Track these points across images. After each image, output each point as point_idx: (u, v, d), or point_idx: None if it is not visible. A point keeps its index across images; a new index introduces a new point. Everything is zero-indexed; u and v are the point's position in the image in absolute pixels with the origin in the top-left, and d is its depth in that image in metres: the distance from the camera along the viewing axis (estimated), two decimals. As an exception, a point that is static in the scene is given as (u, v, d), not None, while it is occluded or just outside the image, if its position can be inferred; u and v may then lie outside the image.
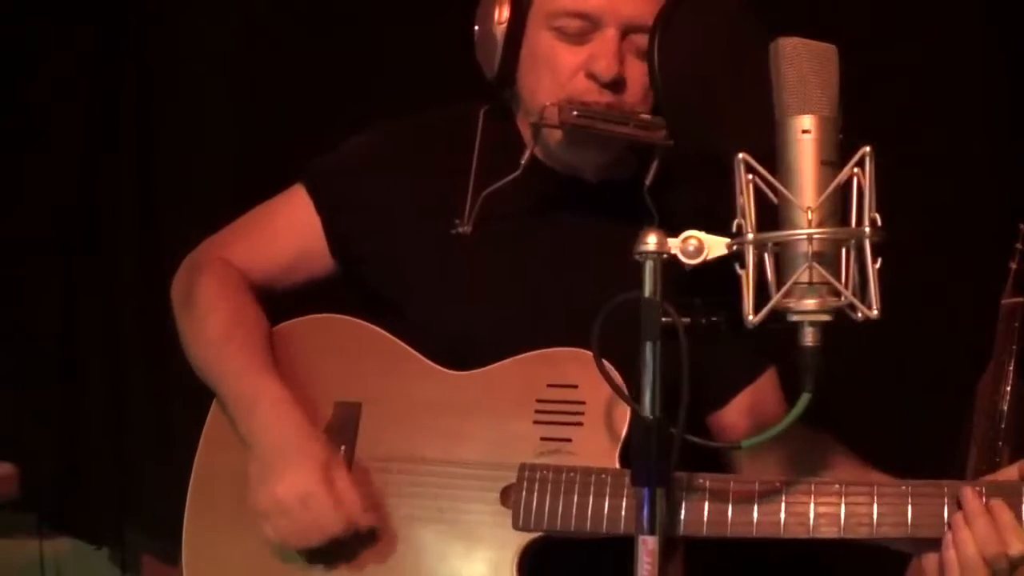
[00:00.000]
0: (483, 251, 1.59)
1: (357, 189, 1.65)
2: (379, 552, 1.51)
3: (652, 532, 1.23)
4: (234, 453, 1.56)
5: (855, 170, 1.18)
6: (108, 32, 2.52)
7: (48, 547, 2.67)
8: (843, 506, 1.36)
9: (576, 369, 1.48)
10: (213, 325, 1.62)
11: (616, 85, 1.50)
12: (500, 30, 1.53)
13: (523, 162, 1.54)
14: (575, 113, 1.47)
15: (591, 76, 1.50)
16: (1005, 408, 2.11)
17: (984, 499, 1.32)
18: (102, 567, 2.69)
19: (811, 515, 1.36)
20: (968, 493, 1.33)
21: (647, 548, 1.23)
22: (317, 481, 1.46)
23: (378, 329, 1.61)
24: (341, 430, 1.56)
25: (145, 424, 2.52)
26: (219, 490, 1.60)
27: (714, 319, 1.32)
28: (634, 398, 1.28)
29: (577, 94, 1.50)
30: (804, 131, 1.18)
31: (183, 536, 1.61)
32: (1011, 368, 2.11)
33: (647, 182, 1.54)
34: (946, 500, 1.34)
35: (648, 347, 1.24)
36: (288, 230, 1.69)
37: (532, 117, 1.54)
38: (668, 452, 1.24)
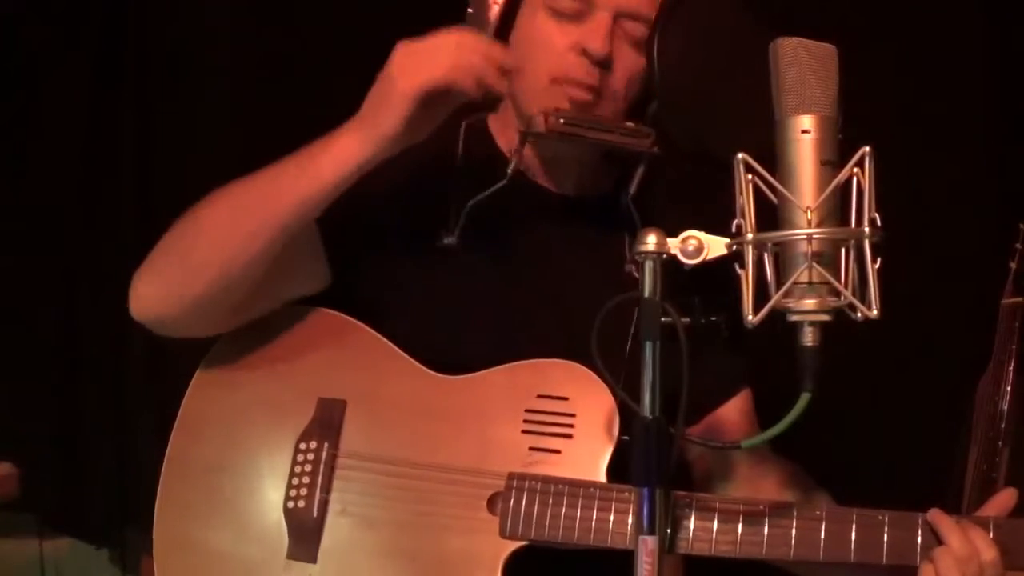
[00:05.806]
0: (470, 262, 1.58)
1: (347, 206, 1.65)
2: (360, 553, 1.50)
3: (652, 532, 1.23)
4: (208, 444, 1.56)
5: (855, 170, 1.17)
6: (108, 32, 2.52)
7: (48, 547, 2.67)
8: (823, 532, 1.38)
9: (567, 381, 1.48)
10: (223, 197, 1.54)
11: (606, 65, 1.51)
12: (494, 12, 1.54)
13: (509, 171, 1.53)
14: (562, 121, 1.47)
15: (583, 53, 1.50)
16: (1005, 408, 2.11)
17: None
18: (102, 567, 2.69)
19: (792, 537, 1.38)
20: (941, 515, 1.37)
21: (647, 548, 1.23)
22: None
23: (367, 327, 1.60)
24: (324, 427, 1.55)
25: (145, 424, 2.52)
26: (191, 482, 1.58)
27: (713, 319, 1.32)
28: (625, 403, 1.28)
29: (566, 71, 1.51)
30: (804, 131, 1.17)
31: (154, 526, 1.58)
32: (1011, 368, 2.12)
33: (631, 191, 1.54)
34: (920, 529, 1.37)
35: (648, 347, 1.24)
36: None
37: (521, 107, 1.55)
38: (668, 452, 1.24)
